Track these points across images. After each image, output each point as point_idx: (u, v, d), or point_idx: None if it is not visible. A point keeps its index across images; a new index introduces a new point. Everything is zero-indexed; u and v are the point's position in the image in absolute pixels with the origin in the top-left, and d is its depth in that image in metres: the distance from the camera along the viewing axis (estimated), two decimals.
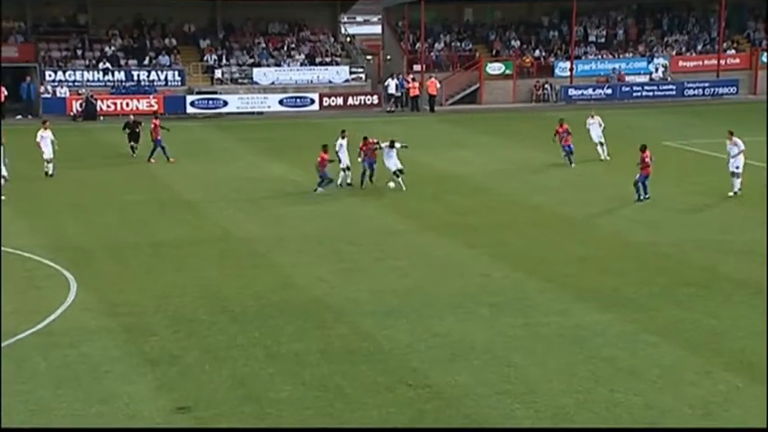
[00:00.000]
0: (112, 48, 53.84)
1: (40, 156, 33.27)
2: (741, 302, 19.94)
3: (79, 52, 53.38)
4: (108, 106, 50.27)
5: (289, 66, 54.82)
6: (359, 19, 71.01)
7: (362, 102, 53.61)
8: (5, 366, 16.25)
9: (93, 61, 52.87)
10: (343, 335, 18.25)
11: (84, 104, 49.43)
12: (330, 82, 54.54)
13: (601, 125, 35.80)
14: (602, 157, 35.39)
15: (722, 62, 56.87)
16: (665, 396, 15.34)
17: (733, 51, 57.91)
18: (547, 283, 21.32)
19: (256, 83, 53.73)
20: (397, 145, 31.19)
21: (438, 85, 53.13)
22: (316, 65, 55.11)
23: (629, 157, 33.17)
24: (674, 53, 57.78)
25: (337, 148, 31.48)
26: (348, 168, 31.61)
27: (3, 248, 23.49)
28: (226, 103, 51.31)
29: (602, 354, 17.15)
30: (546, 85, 55.29)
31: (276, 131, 45.80)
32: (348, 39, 61.39)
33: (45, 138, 33.36)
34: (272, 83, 53.83)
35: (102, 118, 49.10)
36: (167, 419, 14.59)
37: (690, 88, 55.45)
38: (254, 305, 19.92)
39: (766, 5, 58.84)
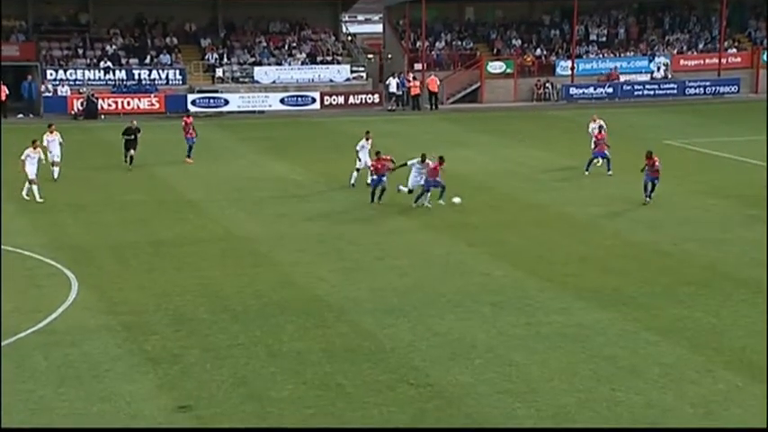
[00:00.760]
0: (113, 46, 53.83)
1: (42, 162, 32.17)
2: (741, 301, 19.96)
3: (80, 51, 53.37)
4: (109, 105, 50.27)
5: (290, 65, 54.80)
6: (360, 18, 70.98)
7: (363, 101, 53.57)
8: (6, 365, 16.25)
9: (95, 60, 52.86)
10: (344, 333, 18.25)
11: (85, 103, 49.42)
12: (331, 81, 54.51)
13: (603, 128, 35.26)
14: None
15: (723, 61, 56.84)
16: (666, 395, 15.34)
17: (734, 50, 57.89)
18: (547, 282, 21.32)
19: (257, 82, 53.70)
20: (429, 161, 28.43)
21: (438, 83, 53.12)
22: (317, 64, 55.09)
23: (630, 155, 33.21)
24: (675, 52, 57.75)
25: (358, 149, 31.35)
26: (359, 170, 31.33)
27: (3, 247, 23.50)
28: (227, 102, 51.28)
29: (604, 353, 17.15)
30: (547, 84, 55.24)
31: (277, 130, 45.79)
32: (349, 37, 61.37)
33: (53, 141, 32.41)
34: (274, 82, 53.80)
35: (103, 117, 49.10)
36: (168, 418, 14.60)
37: (691, 87, 55.42)
38: (256, 304, 19.92)
39: (767, 4, 58.81)
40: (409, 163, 28.73)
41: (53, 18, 54.63)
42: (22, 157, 29.38)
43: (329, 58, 55.72)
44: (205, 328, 18.42)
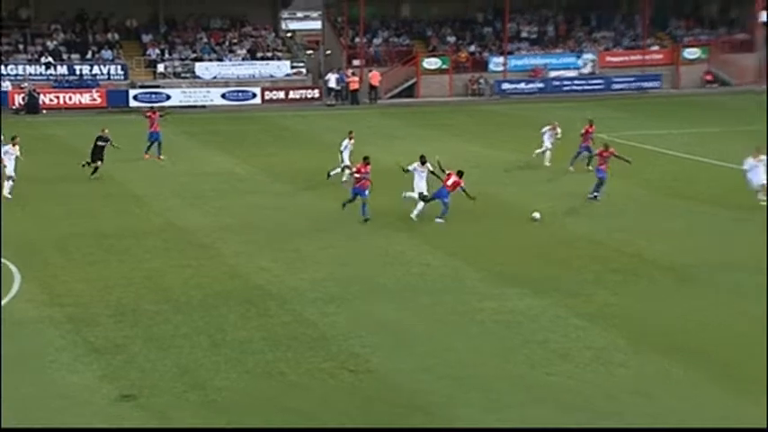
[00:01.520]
0: (55, 42, 52.74)
1: None
2: (667, 287, 20.26)
3: (21, 46, 52.20)
4: (51, 100, 49.25)
5: (230, 60, 54.28)
6: (299, 15, 70.49)
7: (303, 96, 53.31)
8: None
9: (36, 55, 51.74)
10: (286, 322, 18.10)
11: (26, 98, 48.36)
12: (272, 76, 54.12)
13: (557, 134, 33.91)
14: (546, 163, 33.72)
15: (646, 58, 57.65)
16: (597, 377, 15.47)
17: (656, 47, 58.71)
18: (484, 271, 21.37)
19: (199, 77, 53.09)
20: (429, 166, 26.51)
21: (380, 77, 53.09)
22: (257, 60, 54.63)
23: (561, 149, 33.48)
24: (601, 49, 58.39)
25: (342, 149, 30.86)
26: (346, 168, 30.15)
27: None
28: (169, 97, 50.58)
29: (537, 338, 17.25)
30: (480, 80, 55.51)
31: (219, 125, 45.30)
32: (289, 34, 60.96)
33: (11, 153, 28.96)
34: (215, 77, 53.25)
35: (44, 112, 48.10)
36: (113, 408, 14.33)
37: (617, 82, 56.10)
38: (199, 294, 19.66)
39: (688, 3, 59.82)
40: (410, 168, 26.88)
41: None
42: (1, 154, 28.57)
43: (269, 54, 55.29)
44: (148, 319, 18.13)
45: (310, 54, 60.12)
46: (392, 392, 15.02)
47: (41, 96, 48.79)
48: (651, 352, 16.49)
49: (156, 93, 50.65)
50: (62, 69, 51.15)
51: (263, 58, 54.78)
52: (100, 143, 31.71)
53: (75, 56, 52.26)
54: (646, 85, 56.24)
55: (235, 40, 55.83)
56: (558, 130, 33.69)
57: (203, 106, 50.96)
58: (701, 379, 15.47)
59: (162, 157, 34.84)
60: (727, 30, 60.29)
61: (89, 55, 52.37)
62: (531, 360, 16.22)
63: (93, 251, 22.92)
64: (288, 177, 31.54)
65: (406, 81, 55.29)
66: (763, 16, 59.80)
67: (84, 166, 31.50)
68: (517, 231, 25.03)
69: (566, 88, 55.73)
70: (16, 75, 50.17)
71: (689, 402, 14.59)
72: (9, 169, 28.49)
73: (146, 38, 54.47)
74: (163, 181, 31.44)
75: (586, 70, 57.13)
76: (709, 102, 51.47)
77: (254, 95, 52.31)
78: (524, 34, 58.89)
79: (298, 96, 53.13)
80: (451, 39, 57.86)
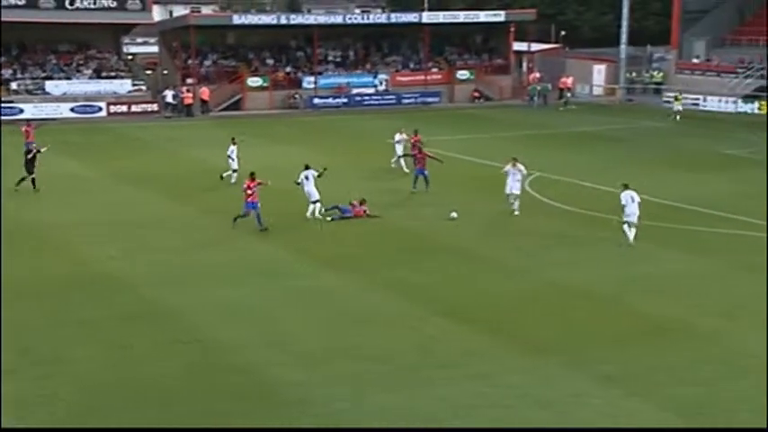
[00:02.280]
0: None
1: None
2: (449, 264, 20.55)
3: None
4: None
5: (78, 79, 51.48)
6: (139, 40, 67.79)
7: (144, 109, 51.32)
8: None
9: None
10: (129, 302, 17.34)
11: None
12: (115, 93, 51.73)
13: (404, 142, 31.76)
14: (405, 170, 31.28)
15: (428, 78, 59.03)
16: (391, 340, 15.64)
17: (436, 69, 60.25)
18: (298, 254, 21.22)
19: (49, 93, 50.03)
20: (313, 171, 24.69)
21: (209, 93, 51.94)
22: (102, 78, 52.09)
23: (362, 153, 33.68)
24: (392, 70, 59.30)
25: (229, 153, 29.45)
26: (236, 171, 28.84)
27: None
28: (22, 111, 47.35)
29: (342, 307, 17.29)
30: (296, 95, 55.20)
31: (69, 135, 42.73)
32: (130, 57, 58.47)
33: None
34: (64, 93, 50.32)
35: None
36: None
37: (406, 98, 57.11)
38: (49, 281, 18.50)
39: (458, 34, 61.73)
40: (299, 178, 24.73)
41: None
42: None
43: (113, 74, 52.84)
44: None
45: (149, 73, 57.91)
46: (215, 357, 14.66)
47: None
48: (435, 317, 16.80)
49: (10, 107, 47.34)
50: None
51: (107, 77, 52.30)
52: (28, 156, 28.42)
53: None
54: (428, 99, 57.57)
55: (81, 62, 53.00)
56: (405, 137, 32.09)
57: (54, 119, 48.01)
58: (467, 332, 15.92)
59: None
60: (489, 56, 62.69)
61: None
62: (337, 327, 16.23)
63: None
64: (132, 179, 30.17)
65: (233, 96, 54.23)
66: (515, 46, 62.62)
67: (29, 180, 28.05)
68: (328, 225, 24.86)
69: (365, 102, 56.25)
70: None
71: (461, 350, 15.01)
72: None
73: None
74: (15, 182, 29.29)
75: (381, 88, 57.90)
76: (477, 114, 53.36)
77: (101, 109, 49.87)
78: (330, 58, 59.02)
79: (139, 110, 51.07)
80: (270, 61, 57.24)
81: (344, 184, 28.94)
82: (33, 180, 28.07)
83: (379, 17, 56.99)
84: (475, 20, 59.21)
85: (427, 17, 57.52)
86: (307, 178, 24.92)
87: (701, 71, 56.36)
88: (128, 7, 52.92)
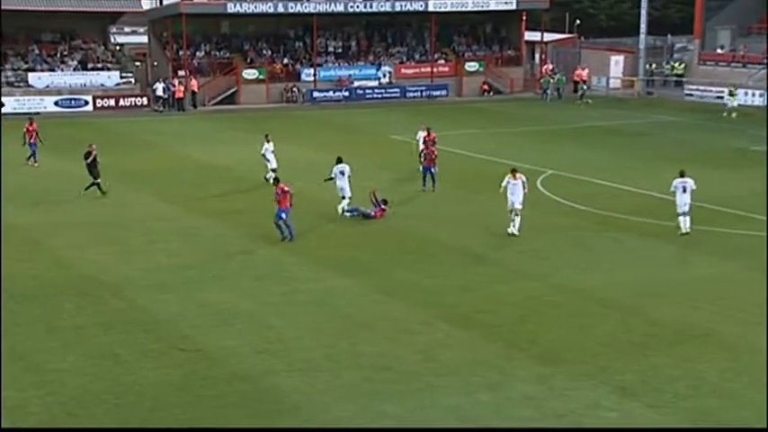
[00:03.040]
0: None
1: None
2: (457, 266, 20.73)
3: None
4: None
5: (62, 71, 51.74)
6: (127, 30, 67.97)
7: (133, 103, 51.59)
8: None
9: None
10: (119, 309, 17.55)
11: None
12: (102, 85, 52.00)
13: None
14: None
15: (434, 70, 59.23)
16: (394, 345, 15.81)
17: (443, 61, 60.44)
18: (299, 256, 21.39)
19: (32, 86, 50.30)
20: (347, 166, 25.10)
21: (198, 85, 52.22)
22: (88, 70, 52.36)
23: (365, 148, 33.85)
24: (397, 62, 59.53)
25: (263, 151, 29.30)
26: (275, 170, 28.38)
27: None
28: (2, 105, 47.62)
29: (344, 312, 17.47)
30: (294, 88, 55.43)
31: (53, 130, 42.88)
32: (117, 47, 58.72)
33: None
34: (47, 86, 50.60)
35: None
36: None
37: (410, 91, 57.31)
38: (34, 285, 18.72)
39: (467, 23, 61.90)
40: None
41: None
42: None
43: (99, 65, 53.14)
44: None
45: (138, 65, 58.19)
46: (212, 365, 14.85)
47: None
48: (440, 321, 16.95)
49: None
50: None
51: (93, 69, 52.57)
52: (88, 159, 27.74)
53: None
54: (435, 93, 57.76)
55: (66, 52, 53.26)
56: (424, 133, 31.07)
57: (37, 113, 48.23)
58: (475, 338, 16.10)
59: (36, 163, 33.00)
60: (499, 46, 62.87)
61: None
62: (339, 331, 16.41)
63: None
64: (119, 177, 30.35)
65: (227, 90, 54.48)
66: (527, 36, 62.77)
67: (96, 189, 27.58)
68: (323, 219, 24.99)
69: (368, 96, 56.46)
70: None
71: (466, 359, 15.17)
72: None
73: None
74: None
75: (385, 80, 58.11)
76: (486, 108, 53.51)
77: (87, 103, 50.14)
78: (331, 48, 59.23)
79: (128, 104, 51.36)
80: (267, 52, 57.46)
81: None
82: (99, 185, 27.45)
83: (382, 5, 57.09)
84: (485, 8, 59.40)
85: (434, 5, 57.69)
86: (342, 173, 25.20)
87: (725, 62, 56.45)
88: None
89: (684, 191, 22.52)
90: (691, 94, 54.38)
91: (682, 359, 15.09)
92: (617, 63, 62.01)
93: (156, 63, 57.20)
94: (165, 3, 58.51)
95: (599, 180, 30.54)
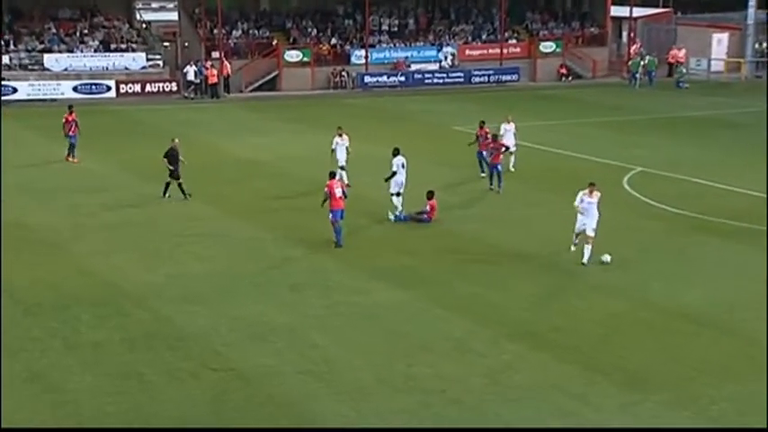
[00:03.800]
0: None
1: None
2: (523, 277, 20.81)
3: None
4: None
5: (82, 52, 52.83)
6: (154, 5, 69.21)
7: (161, 89, 52.44)
8: None
9: None
10: (143, 321, 17.94)
11: None
12: (126, 69, 52.97)
13: (512, 132, 31.36)
14: (510, 167, 31.07)
15: (504, 51, 59.12)
16: (456, 367, 15.91)
17: (514, 41, 60.34)
18: (345, 263, 21.62)
19: (48, 69, 51.50)
20: (403, 158, 25.76)
21: (230, 68, 52.86)
22: (111, 51, 53.35)
23: (423, 141, 33.92)
24: (461, 42, 59.61)
25: (333, 146, 29.42)
26: (343, 168, 28.54)
27: None
28: (15, 90, 48.90)
29: (398, 330, 17.60)
30: (343, 73, 55.83)
31: None
32: (144, 25, 59.76)
33: None
34: (65, 69, 51.72)
35: None
36: None
37: (476, 75, 57.34)
38: (50, 295, 19.23)
39: None
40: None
41: None
42: None
43: (123, 46, 54.10)
44: None
45: (167, 46, 59.11)
46: (246, 387, 15.07)
47: None
48: (507, 341, 17.00)
49: (1, 86, 48.84)
50: None
51: (116, 50, 53.55)
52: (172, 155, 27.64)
53: None
54: (504, 78, 57.70)
55: (86, 31, 54.38)
56: (513, 126, 31.43)
57: (54, 100, 49.43)
58: (548, 360, 16.12)
59: (75, 159, 33.57)
60: (580, 24, 62.50)
61: None
62: (393, 351, 16.54)
63: None
64: (144, 174, 30.95)
65: (267, 74, 55.09)
66: (613, 11, 62.27)
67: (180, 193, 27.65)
68: (372, 221, 25.16)
69: (427, 81, 56.64)
70: None
71: (537, 383, 15.18)
72: None
73: None
74: (9, 177, 30.38)
75: (447, 63, 58.21)
76: (564, 95, 53.20)
77: (109, 89, 51.11)
78: (385, 27, 59.53)
79: (155, 89, 52.22)
80: (312, 31, 57.98)
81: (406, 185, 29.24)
82: (181, 186, 27.54)
83: None
84: None
85: None
86: (403, 166, 25.63)
87: None
88: None
89: None
90: None
91: None
92: (720, 42, 61.16)
93: (186, 43, 58.03)
94: None
95: (696, 179, 30.24)
